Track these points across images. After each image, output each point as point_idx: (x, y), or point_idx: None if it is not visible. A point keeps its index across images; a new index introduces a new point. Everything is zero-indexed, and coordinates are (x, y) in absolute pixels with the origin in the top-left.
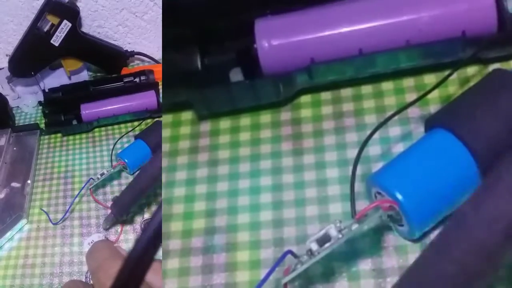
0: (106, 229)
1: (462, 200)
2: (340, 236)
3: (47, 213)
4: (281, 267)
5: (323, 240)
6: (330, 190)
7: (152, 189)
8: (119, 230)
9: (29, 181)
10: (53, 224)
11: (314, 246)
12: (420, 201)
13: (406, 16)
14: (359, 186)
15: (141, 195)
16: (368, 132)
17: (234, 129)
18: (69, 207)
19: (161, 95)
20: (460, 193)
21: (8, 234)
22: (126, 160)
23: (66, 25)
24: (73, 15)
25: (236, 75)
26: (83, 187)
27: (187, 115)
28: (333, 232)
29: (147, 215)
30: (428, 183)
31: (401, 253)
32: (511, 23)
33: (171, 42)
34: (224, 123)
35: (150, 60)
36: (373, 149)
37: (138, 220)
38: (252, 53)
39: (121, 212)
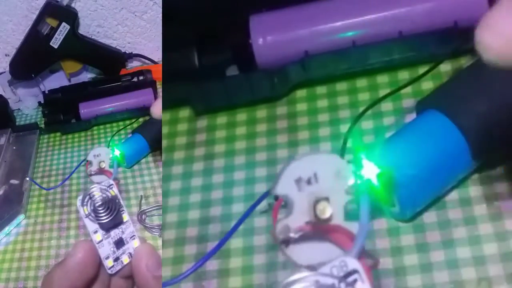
0: None
1: (454, 179)
2: None
3: (35, 181)
4: None
5: None
6: None
7: None
8: None
9: (27, 178)
10: (46, 190)
11: None
12: (411, 180)
13: (398, 7)
14: None
15: None
16: (363, 122)
17: (230, 124)
18: (66, 179)
19: (160, 93)
20: (451, 172)
21: (6, 229)
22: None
23: (64, 27)
24: (71, 17)
25: (232, 72)
26: (80, 164)
27: (184, 113)
28: None
29: (144, 207)
30: (419, 163)
31: (393, 235)
32: None
33: (170, 41)
34: (221, 119)
35: (149, 61)
36: (367, 139)
37: (135, 211)
38: (247, 49)
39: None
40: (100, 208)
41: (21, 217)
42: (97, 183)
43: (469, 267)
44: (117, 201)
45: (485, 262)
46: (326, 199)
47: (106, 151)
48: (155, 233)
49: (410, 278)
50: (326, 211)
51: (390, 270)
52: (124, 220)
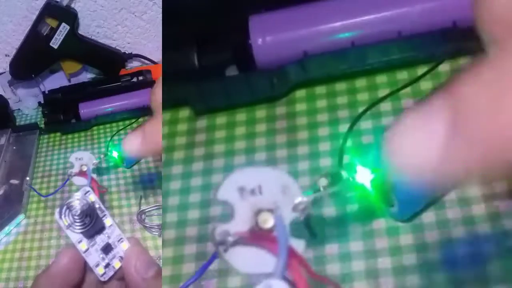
0: None
1: None
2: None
3: (33, 188)
4: None
5: None
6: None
7: None
8: None
9: (27, 178)
10: (43, 196)
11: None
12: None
13: (397, 7)
14: None
15: None
16: (362, 123)
17: (230, 125)
18: (63, 185)
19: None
20: None
21: (6, 229)
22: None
23: (64, 28)
24: (71, 17)
25: (232, 72)
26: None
27: (184, 113)
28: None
29: (143, 207)
30: None
31: (392, 235)
32: None
33: (169, 41)
34: (220, 119)
35: (148, 62)
36: (366, 139)
37: (135, 211)
38: (247, 49)
39: None
40: (77, 217)
41: (21, 216)
42: (78, 185)
43: (468, 267)
44: (96, 206)
45: (484, 261)
46: (270, 210)
47: (89, 156)
48: (155, 233)
49: (409, 278)
50: (268, 221)
51: (388, 270)
52: (108, 224)
